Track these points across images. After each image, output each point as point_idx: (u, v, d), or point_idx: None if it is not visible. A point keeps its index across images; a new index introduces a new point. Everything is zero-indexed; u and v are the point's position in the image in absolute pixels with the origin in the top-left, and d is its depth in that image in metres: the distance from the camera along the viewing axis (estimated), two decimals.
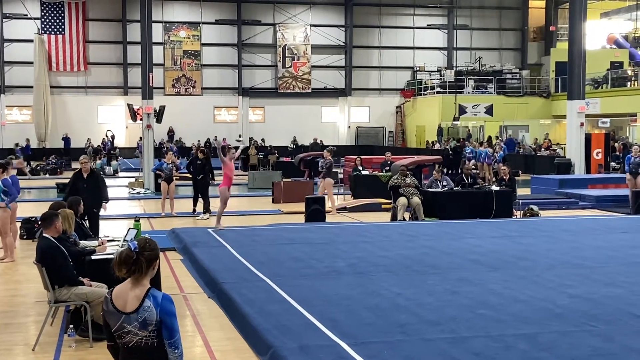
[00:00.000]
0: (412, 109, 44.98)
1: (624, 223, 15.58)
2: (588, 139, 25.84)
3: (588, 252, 11.64)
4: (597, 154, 25.68)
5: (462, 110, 40.06)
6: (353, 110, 45.90)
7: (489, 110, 40.58)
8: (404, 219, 15.90)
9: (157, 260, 4.11)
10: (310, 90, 45.15)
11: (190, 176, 17.95)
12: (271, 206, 19.16)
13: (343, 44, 45.62)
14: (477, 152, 27.79)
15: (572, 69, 25.36)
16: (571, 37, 25.76)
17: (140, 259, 4.00)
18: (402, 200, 15.81)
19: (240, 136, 44.04)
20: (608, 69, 40.59)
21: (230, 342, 7.57)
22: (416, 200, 15.82)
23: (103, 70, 43.01)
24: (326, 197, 17.24)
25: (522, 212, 16.93)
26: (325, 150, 19.08)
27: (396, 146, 42.39)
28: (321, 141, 42.24)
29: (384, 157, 22.37)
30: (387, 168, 20.43)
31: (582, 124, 25.20)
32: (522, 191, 20.68)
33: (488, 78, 42.21)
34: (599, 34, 46.22)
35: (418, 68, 46.02)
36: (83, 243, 8.66)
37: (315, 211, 15.70)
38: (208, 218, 16.58)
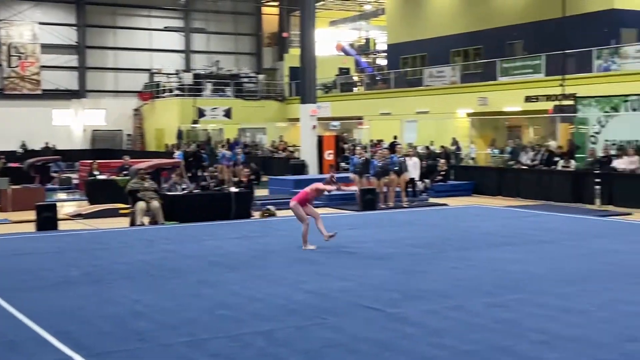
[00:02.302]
0: (150, 111, 44.30)
1: (353, 219, 16.60)
2: (320, 140, 27.19)
3: (320, 249, 12.22)
4: (329, 155, 27.10)
5: (201, 113, 40.25)
6: (88, 113, 44.14)
7: (228, 114, 41.20)
8: (143, 224, 15.61)
9: None
10: (40, 92, 42.64)
11: None
12: None
13: (76, 44, 43.71)
14: (221, 154, 27.89)
15: (304, 74, 26.54)
16: (302, 44, 26.95)
17: None
18: (141, 204, 15.51)
19: None
20: (337, 75, 43.09)
21: None
22: (155, 204, 15.59)
23: None
24: None
25: (260, 212, 17.37)
26: None
27: (135, 149, 41.47)
28: (54, 145, 40.13)
29: (121, 161, 21.80)
30: (125, 172, 19.93)
31: (314, 127, 26.46)
32: (260, 192, 21.23)
33: (226, 81, 42.81)
34: (329, 41, 48.95)
35: (156, 70, 45.44)
36: None
37: (47, 219, 14.87)
38: None
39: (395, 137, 28.89)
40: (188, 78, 42.35)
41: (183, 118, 39.92)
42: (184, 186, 16.85)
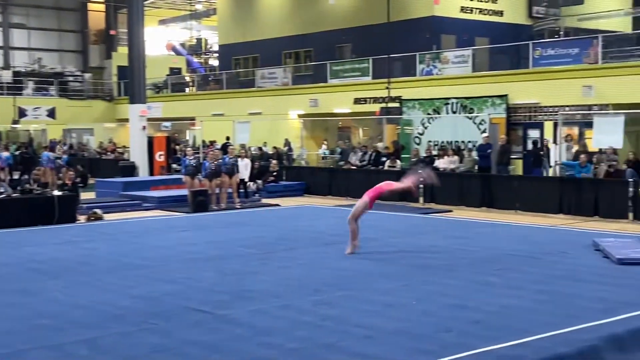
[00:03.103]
0: None
1: (184, 222, 16.37)
2: (151, 141, 26.60)
3: (150, 252, 11.95)
4: (160, 157, 26.56)
5: (22, 113, 38.20)
6: None
7: (52, 114, 39.38)
8: None
9: None
10: None
11: None
12: None
13: None
14: (45, 156, 26.51)
15: (133, 73, 25.86)
16: (131, 42, 26.25)
17: None
18: None
19: None
20: (168, 75, 42.35)
21: None
22: None
23: None
24: None
25: (86, 216, 16.74)
26: None
27: None
28: None
29: None
30: None
31: (144, 127, 25.85)
32: (87, 195, 20.46)
33: (49, 80, 40.89)
34: (159, 40, 48.03)
35: None
36: None
37: None
38: None
39: (227, 138, 28.83)
40: (7, 76, 40.02)
41: (2, 118, 37.66)
42: (1, 190, 15.89)
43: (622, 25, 31.90)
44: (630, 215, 15.81)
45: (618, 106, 21.00)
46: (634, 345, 6.69)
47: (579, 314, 7.50)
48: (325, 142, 30.08)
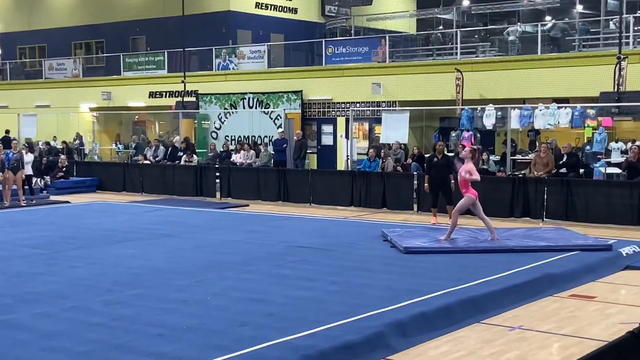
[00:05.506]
0: None
1: None
2: None
3: None
4: None
5: None
6: None
7: None
8: None
9: None
10: None
11: None
12: None
13: None
14: None
15: None
16: None
17: None
18: None
19: None
20: None
21: None
22: None
23: None
24: None
25: None
26: None
27: None
28: None
29: None
30: None
31: None
32: None
33: None
34: None
35: None
36: None
37: None
38: None
39: (7, 132, 27.05)
40: None
41: None
42: None
43: (407, 26, 33.71)
44: (415, 206, 16.73)
45: (404, 103, 22.23)
46: (414, 329, 7.06)
47: (367, 303, 7.81)
48: (150, 136, 29.12)
